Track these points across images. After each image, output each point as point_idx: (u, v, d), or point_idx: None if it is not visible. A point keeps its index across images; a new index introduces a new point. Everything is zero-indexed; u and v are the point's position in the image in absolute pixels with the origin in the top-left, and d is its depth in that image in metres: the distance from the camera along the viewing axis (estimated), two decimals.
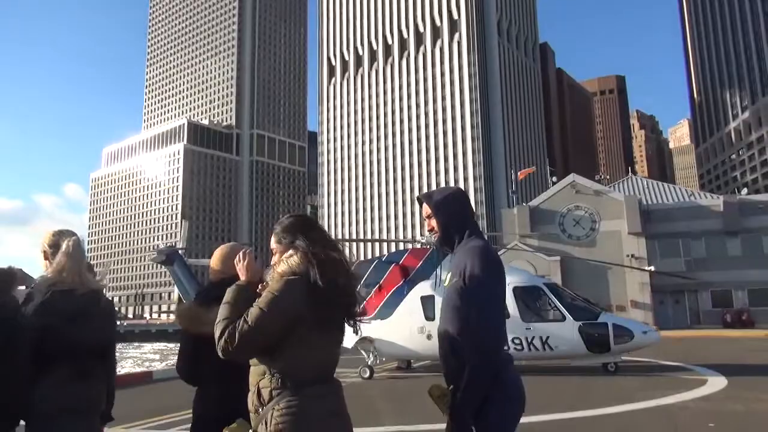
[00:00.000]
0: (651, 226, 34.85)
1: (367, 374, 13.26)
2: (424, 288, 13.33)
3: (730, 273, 33.97)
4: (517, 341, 12.46)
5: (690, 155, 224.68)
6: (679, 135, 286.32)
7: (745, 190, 46.09)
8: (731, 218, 33.76)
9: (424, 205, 2.72)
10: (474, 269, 2.40)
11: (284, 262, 2.20)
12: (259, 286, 2.22)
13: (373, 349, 13.80)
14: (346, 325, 2.27)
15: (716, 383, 10.60)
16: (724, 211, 34.06)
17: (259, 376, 2.12)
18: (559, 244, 34.62)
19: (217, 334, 2.09)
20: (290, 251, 2.23)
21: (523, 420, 2.46)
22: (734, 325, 32.49)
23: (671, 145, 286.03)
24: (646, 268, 31.43)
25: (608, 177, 55.04)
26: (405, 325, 13.30)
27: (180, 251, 19.98)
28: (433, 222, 2.67)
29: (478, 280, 2.39)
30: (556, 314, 12.55)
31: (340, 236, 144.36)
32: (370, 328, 13.62)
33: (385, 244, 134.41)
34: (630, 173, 53.42)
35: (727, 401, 8.87)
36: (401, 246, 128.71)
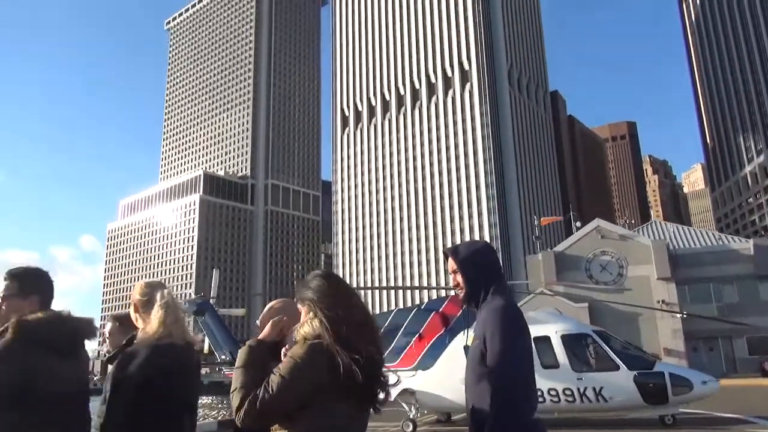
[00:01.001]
0: (679, 271, 34.09)
1: (410, 428, 12.67)
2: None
3: (765, 318, 32.90)
4: (567, 392, 11.85)
5: (705, 199, 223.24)
6: (693, 179, 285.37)
7: None
8: (763, 261, 32.94)
9: (450, 259, 2.68)
10: (495, 333, 2.39)
11: (308, 324, 2.15)
12: (283, 349, 2.18)
13: (415, 401, 13.23)
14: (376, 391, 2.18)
15: None
16: (755, 254, 33.30)
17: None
18: (585, 291, 33.86)
19: (235, 404, 2.03)
20: (311, 314, 2.17)
21: None
22: None
23: (685, 190, 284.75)
24: (679, 313, 30.54)
25: (633, 222, 54.37)
26: (448, 376, 12.73)
27: (211, 300, 19.68)
28: (459, 278, 2.63)
29: (501, 342, 2.37)
30: (608, 363, 11.95)
31: (354, 284, 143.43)
32: (411, 379, 13.10)
33: (401, 292, 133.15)
34: (652, 218, 52.85)
35: None
36: (417, 293, 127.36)
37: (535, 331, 12.44)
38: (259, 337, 2.27)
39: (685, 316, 31.23)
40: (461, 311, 13.52)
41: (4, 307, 2.56)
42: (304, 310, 2.24)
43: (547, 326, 12.61)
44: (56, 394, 2.39)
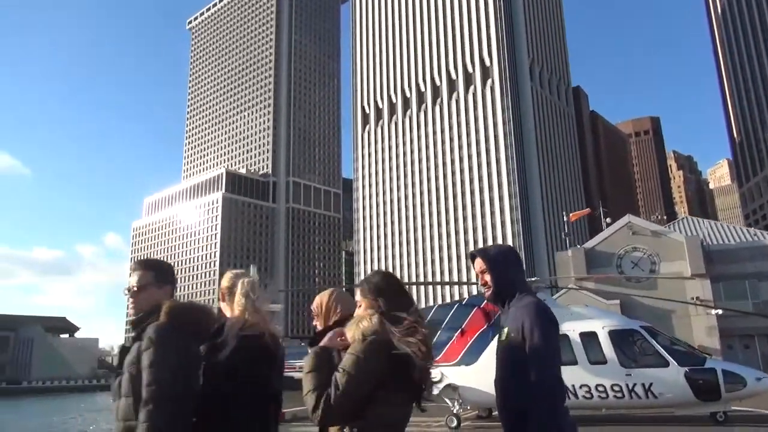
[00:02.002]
0: (713, 268, 33.46)
1: (455, 424, 12.60)
2: None
3: None
4: (616, 388, 11.69)
5: (732, 195, 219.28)
6: (719, 175, 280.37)
7: None
8: None
9: (478, 260, 2.89)
10: (533, 327, 2.60)
11: (366, 319, 2.34)
12: (329, 337, 2.43)
13: (458, 396, 13.16)
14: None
15: None
16: None
17: (337, 429, 2.27)
18: (617, 287, 33.40)
19: (311, 405, 2.22)
20: (371, 310, 2.37)
21: None
22: None
23: (711, 186, 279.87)
24: (714, 309, 30.00)
25: (665, 217, 53.53)
26: (492, 372, 12.65)
27: None
28: (487, 277, 2.85)
29: (539, 338, 2.58)
30: (658, 359, 11.75)
31: None
32: (454, 375, 13.03)
33: (422, 288, 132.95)
34: (679, 214, 51.95)
35: None
36: (439, 289, 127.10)
37: (582, 326, 12.33)
38: (321, 344, 2.43)
39: (720, 312, 30.67)
40: None
41: (142, 296, 2.64)
42: (363, 305, 2.44)
43: (593, 321, 12.46)
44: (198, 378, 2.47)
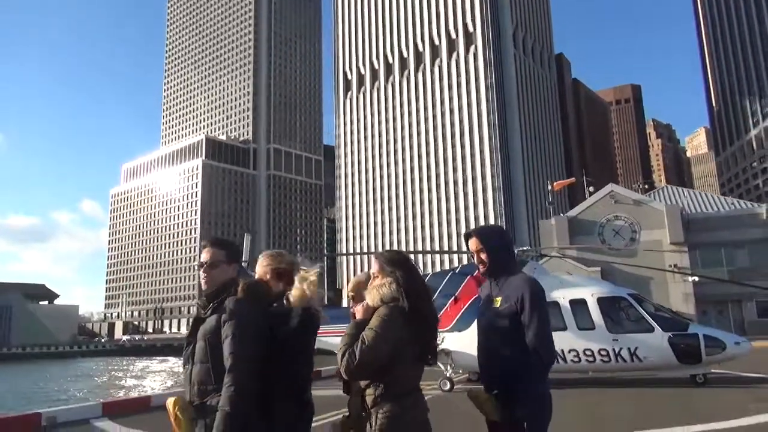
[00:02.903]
0: (692, 236, 34.40)
1: (448, 386, 13.07)
2: None
3: None
4: (603, 352, 12.23)
5: (708, 164, 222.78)
6: (696, 143, 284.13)
7: None
8: None
9: (473, 239, 3.21)
10: (534, 299, 2.95)
11: (386, 286, 2.67)
12: (356, 308, 2.73)
13: (450, 361, 13.63)
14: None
15: None
16: (767, 219, 33.53)
17: (364, 384, 2.58)
18: (598, 255, 34.23)
19: (339, 357, 2.54)
20: (389, 279, 2.70)
21: None
22: None
23: (688, 154, 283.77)
24: (691, 277, 30.96)
25: (646, 186, 54.49)
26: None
27: (243, 264, 19.93)
28: (483, 255, 3.16)
29: (540, 309, 2.96)
30: (643, 325, 12.29)
31: (357, 248, 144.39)
32: (447, 341, 13.44)
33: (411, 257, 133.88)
34: (655, 182, 52.86)
35: None
36: (421, 257, 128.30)
37: (572, 293, 12.79)
38: (357, 318, 2.71)
39: (696, 279, 31.63)
40: None
41: (215, 272, 2.89)
42: (380, 276, 2.76)
43: (583, 289, 12.93)
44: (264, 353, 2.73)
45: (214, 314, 2.74)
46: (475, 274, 14.20)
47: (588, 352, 12.27)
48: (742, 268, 33.88)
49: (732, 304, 34.55)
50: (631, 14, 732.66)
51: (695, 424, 7.98)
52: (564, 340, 12.17)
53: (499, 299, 3.06)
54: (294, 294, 2.96)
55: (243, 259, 20.71)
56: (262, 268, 3.08)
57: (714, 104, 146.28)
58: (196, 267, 3.81)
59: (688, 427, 7.82)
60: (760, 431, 7.58)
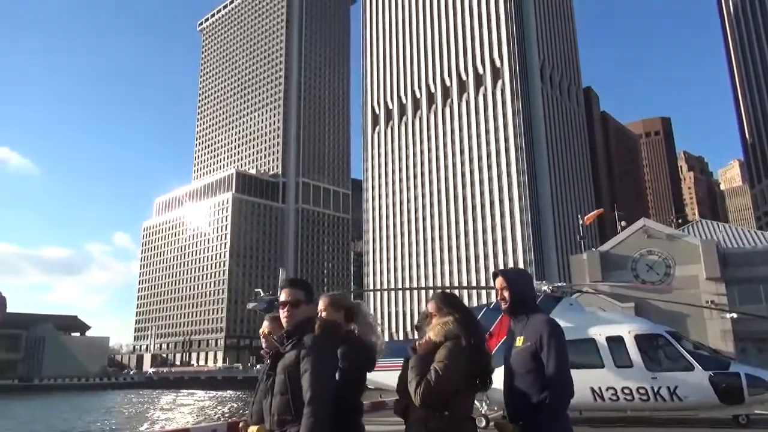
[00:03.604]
0: (729, 271, 33.65)
1: (483, 424, 12.97)
2: None
3: None
4: (642, 391, 12.03)
5: (743, 197, 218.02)
6: (729, 176, 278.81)
7: None
8: None
9: (499, 278, 3.49)
10: (552, 339, 3.19)
11: (450, 324, 2.96)
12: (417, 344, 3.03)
13: (485, 398, 13.55)
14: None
15: None
16: None
17: (425, 412, 2.83)
18: (632, 291, 33.64)
19: (413, 387, 2.82)
20: (450, 317, 3.00)
21: None
22: None
23: (722, 187, 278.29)
24: (729, 313, 30.18)
25: (680, 220, 53.68)
26: None
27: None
28: (506, 293, 3.43)
29: (559, 349, 3.19)
30: (683, 363, 12.08)
31: (383, 283, 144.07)
32: None
33: (432, 292, 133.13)
34: (689, 216, 52.01)
35: None
36: (465, 292, 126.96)
37: (608, 330, 12.69)
38: (419, 353, 3.02)
39: (734, 316, 30.83)
40: None
41: (297, 311, 3.19)
42: (438, 314, 3.09)
43: (620, 326, 12.82)
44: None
45: (293, 350, 3.00)
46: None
47: (626, 390, 12.09)
48: None
49: None
50: (659, 46, 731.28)
51: None
52: (601, 378, 12.03)
53: (521, 338, 3.33)
54: (362, 332, 3.34)
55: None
56: (328, 308, 3.39)
57: (747, 136, 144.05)
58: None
59: None
60: None
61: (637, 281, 34.07)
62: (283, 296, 3.20)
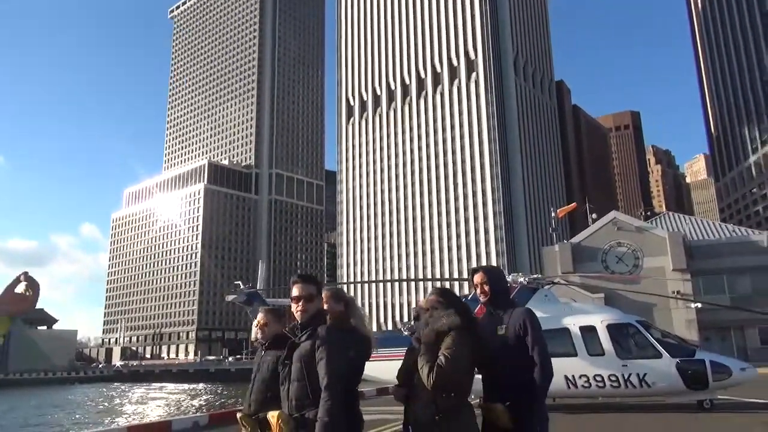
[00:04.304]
0: (694, 263, 34.75)
1: None
2: None
3: None
4: (613, 378, 12.52)
5: (708, 189, 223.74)
6: (695, 169, 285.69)
7: None
8: None
9: (480, 274, 3.88)
10: (533, 325, 3.59)
11: (452, 315, 3.28)
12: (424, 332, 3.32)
13: None
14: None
15: None
16: None
17: (434, 395, 3.13)
18: (602, 281, 34.52)
19: (426, 372, 3.14)
20: (451, 309, 3.33)
21: None
22: None
23: (688, 180, 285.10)
24: (694, 303, 31.21)
25: (648, 213, 54.97)
26: None
27: (258, 291, 20.27)
28: (486, 287, 3.83)
29: (538, 333, 3.59)
30: (652, 351, 12.60)
31: (357, 275, 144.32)
32: None
33: (405, 283, 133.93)
34: (656, 208, 53.31)
35: None
36: (421, 285, 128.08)
37: (582, 320, 13.15)
38: (425, 342, 3.33)
39: (699, 306, 31.88)
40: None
41: (311, 304, 3.43)
42: (439, 307, 3.41)
43: (592, 316, 13.30)
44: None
45: (308, 340, 3.26)
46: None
47: (598, 378, 12.58)
48: (744, 294, 34.15)
49: (735, 331, 34.75)
50: (630, 41, 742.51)
51: None
52: (575, 366, 12.49)
53: (504, 327, 3.64)
54: (358, 324, 3.57)
55: (259, 287, 21.06)
56: (330, 301, 3.60)
57: (713, 130, 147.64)
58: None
59: None
60: None
61: (608, 272, 34.99)
62: (296, 291, 3.42)
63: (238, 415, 4.16)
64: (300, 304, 3.38)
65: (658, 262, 33.98)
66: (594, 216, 38.57)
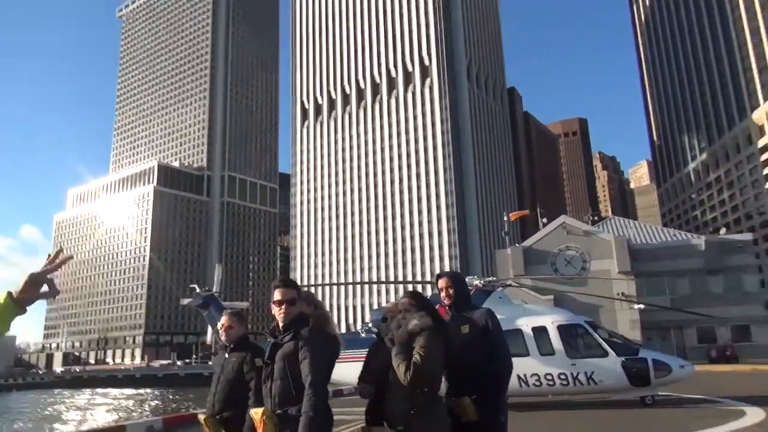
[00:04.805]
0: (638, 265, 36.28)
1: None
2: None
3: (713, 310, 35.38)
4: (562, 376, 13.11)
5: (650, 195, 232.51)
6: (639, 175, 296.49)
7: (723, 230, 48.30)
8: (713, 257, 35.46)
9: (444, 278, 4.22)
10: (495, 327, 3.98)
11: (425, 317, 3.54)
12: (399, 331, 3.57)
13: None
14: None
15: (756, 413, 11.43)
16: (705, 250, 35.76)
17: (408, 391, 3.36)
18: (551, 284, 35.64)
19: (402, 370, 3.38)
20: (422, 312, 3.61)
21: None
22: (719, 360, 33.65)
23: (632, 185, 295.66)
24: (637, 304, 32.61)
25: (595, 218, 56.95)
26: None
27: (215, 294, 20.07)
28: (451, 291, 4.16)
29: (498, 332, 4.00)
30: (599, 350, 13.27)
31: (311, 278, 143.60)
32: None
33: (359, 287, 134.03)
34: (608, 212, 55.28)
35: None
36: (375, 288, 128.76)
37: (534, 321, 13.71)
38: (396, 342, 3.58)
39: (642, 307, 33.29)
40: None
41: (293, 308, 3.62)
42: (412, 309, 3.68)
43: (544, 317, 13.88)
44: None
45: (291, 340, 3.45)
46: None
47: (549, 376, 13.15)
48: (683, 296, 35.90)
49: (674, 331, 36.44)
50: (578, 49, 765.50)
51: None
52: (527, 365, 13.02)
53: (467, 326, 3.96)
54: (331, 326, 3.81)
55: (215, 290, 20.89)
56: (303, 303, 3.80)
57: (655, 138, 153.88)
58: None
59: None
60: None
61: (557, 275, 36.15)
62: (278, 295, 3.59)
63: (201, 416, 4.31)
64: (283, 307, 3.55)
65: (604, 264, 35.38)
66: (545, 220, 39.80)
